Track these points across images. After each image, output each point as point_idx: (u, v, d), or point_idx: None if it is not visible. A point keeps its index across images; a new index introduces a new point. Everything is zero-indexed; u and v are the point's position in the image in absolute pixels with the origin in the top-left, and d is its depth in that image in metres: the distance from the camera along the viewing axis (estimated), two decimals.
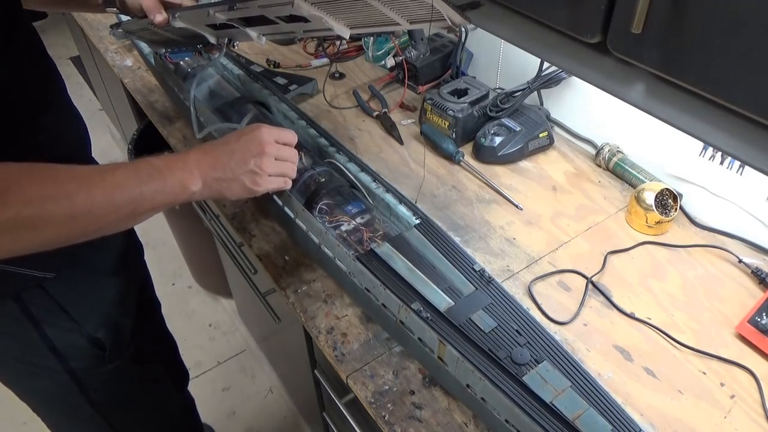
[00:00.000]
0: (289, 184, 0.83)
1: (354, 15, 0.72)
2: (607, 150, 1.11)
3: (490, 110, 1.17)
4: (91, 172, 0.66)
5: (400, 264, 0.82)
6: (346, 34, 0.74)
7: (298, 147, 1.03)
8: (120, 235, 0.96)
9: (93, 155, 0.94)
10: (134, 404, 1.07)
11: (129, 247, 0.99)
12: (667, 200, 0.99)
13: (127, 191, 0.67)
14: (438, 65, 1.33)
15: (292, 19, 0.76)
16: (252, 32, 0.83)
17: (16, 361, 0.89)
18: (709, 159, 0.97)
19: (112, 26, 1.11)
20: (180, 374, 1.30)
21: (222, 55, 1.05)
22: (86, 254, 0.87)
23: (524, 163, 1.15)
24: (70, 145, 0.87)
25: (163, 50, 1.03)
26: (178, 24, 0.88)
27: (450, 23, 0.64)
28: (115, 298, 0.94)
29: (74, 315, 0.87)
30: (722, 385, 0.79)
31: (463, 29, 1.30)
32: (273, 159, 0.78)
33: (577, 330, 0.86)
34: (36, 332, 0.85)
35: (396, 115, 1.26)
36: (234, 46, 0.94)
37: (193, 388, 1.37)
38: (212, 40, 0.91)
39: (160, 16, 0.88)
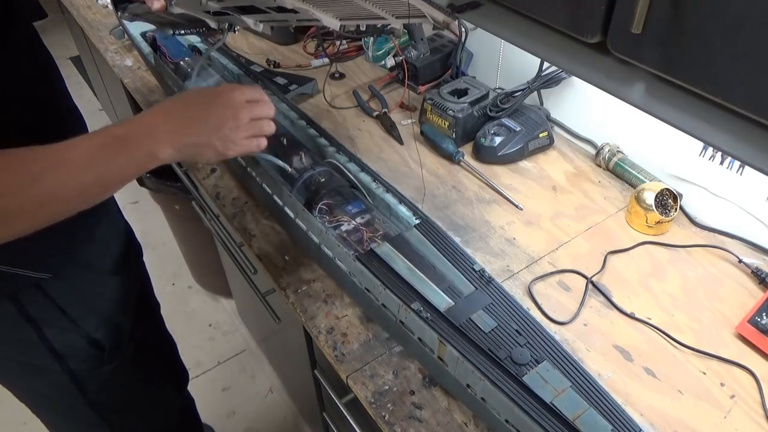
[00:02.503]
0: (263, 145, 0.79)
1: (341, 8, 0.72)
2: (607, 150, 1.11)
3: (490, 110, 1.17)
4: (53, 152, 0.62)
5: (400, 264, 0.82)
6: (335, 25, 0.73)
7: (298, 146, 1.03)
8: (119, 235, 0.97)
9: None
10: (133, 404, 1.07)
11: (128, 248, 0.99)
12: (667, 200, 0.99)
13: (94, 171, 0.64)
14: (438, 65, 1.33)
15: (282, 9, 0.76)
16: (248, 19, 0.84)
17: (15, 361, 0.89)
18: (709, 159, 0.97)
19: (116, 6, 1.12)
20: (179, 374, 1.30)
21: (225, 40, 1.06)
22: (85, 254, 0.87)
23: (524, 163, 1.15)
24: None
25: (171, 32, 1.05)
26: (176, 10, 0.89)
27: (433, 22, 0.64)
28: (114, 298, 0.94)
29: (73, 315, 0.87)
30: (722, 385, 0.79)
31: (463, 29, 1.30)
32: (248, 121, 0.75)
33: (577, 330, 0.86)
34: (34, 333, 0.85)
35: (396, 115, 1.26)
36: (234, 31, 0.95)
37: (193, 388, 1.37)
38: (212, 24, 0.93)
39: (157, 3, 0.88)
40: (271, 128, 0.80)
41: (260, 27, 0.86)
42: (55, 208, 0.63)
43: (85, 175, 0.63)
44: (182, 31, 1.03)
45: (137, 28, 1.32)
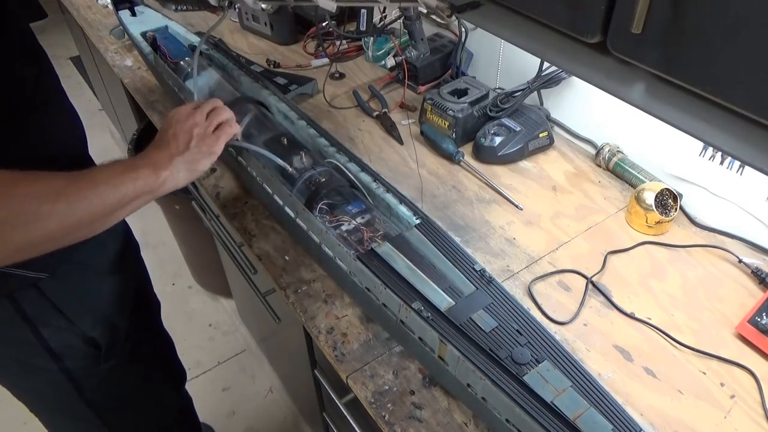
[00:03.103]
0: (236, 127, 0.90)
1: None
2: (607, 150, 1.11)
3: (490, 110, 1.17)
4: (72, 174, 0.70)
5: (401, 264, 0.82)
6: (332, 6, 0.77)
7: (298, 146, 1.03)
8: (116, 234, 0.97)
9: (93, 155, 0.94)
10: (130, 404, 1.07)
11: (125, 247, 0.98)
12: (667, 200, 0.99)
13: (111, 181, 0.72)
14: (438, 65, 1.33)
15: None
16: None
17: (12, 360, 0.89)
18: (709, 159, 0.97)
19: (116, 5, 1.14)
20: (177, 374, 1.30)
21: (225, 18, 1.08)
22: (81, 254, 0.87)
23: (524, 163, 1.15)
24: (66, 144, 0.87)
25: (174, 7, 1.06)
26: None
27: (425, 6, 0.67)
28: (111, 297, 0.94)
29: (69, 314, 0.87)
30: (722, 385, 0.79)
31: (463, 29, 1.30)
32: (204, 119, 0.86)
33: (577, 330, 0.86)
34: (31, 332, 0.85)
35: (396, 115, 1.27)
36: (235, 9, 0.96)
37: (193, 387, 1.37)
38: (212, 2, 0.94)
39: None
40: (228, 114, 0.90)
41: (260, 5, 0.88)
42: (78, 219, 0.69)
43: (103, 188, 0.71)
44: (184, 7, 1.04)
45: (137, 28, 1.32)
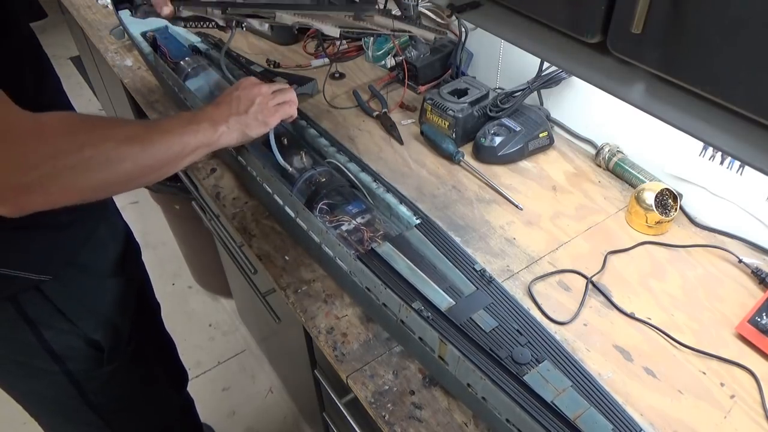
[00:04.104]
0: (294, 110, 0.98)
1: (338, 21, 0.82)
2: (607, 150, 1.11)
3: (490, 110, 1.17)
4: (142, 121, 0.81)
5: (401, 264, 0.82)
6: (335, 33, 0.83)
7: (298, 146, 1.03)
8: (117, 237, 0.97)
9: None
10: (133, 405, 1.07)
11: (126, 250, 0.98)
12: (667, 200, 0.99)
13: (176, 131, 0.78)
14: (438, 65, 1.33)
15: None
16: (254, 22, 0.93)
17: (14, 363, 0.89)
18: (709, 159, 0.97)
19: (116, 6, 1.17)
20: (179, 375, 1.30)
21: (233, 37, 1.12)
22: (83, 257, 0.87)
23: (524, 163, 1.15)
24: None
25: (183, 24, 1.09)
26: (185, 14, 0.97)
27: (424, 39, 0.74)
28: (113, 299, 0.94)
29: (71, 317, 0.87)
30: (722, 385, 0.79)
31: (463, 29, 1.30)
32: (270, 93, 0.93)
33: (577, 330, 0.86)
34: (33, 334, 0.85)
35: (396, 115, 1.27)
36: (242, 28, 0.99)
37: (193, 387, 1.37)
38: (221, 22, 0.99)
39: (167, 9, 0.96)
40: (293, 96, 0.98)
41: (265, 26, 0.92)
42: (151, 164, 0.74)
43: (170, 136, 0.77)
44: (193, 24, 1.06)
45: (137, 28, 1.32)
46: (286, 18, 0.83)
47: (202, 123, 0.82)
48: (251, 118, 0.89)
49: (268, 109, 0.91)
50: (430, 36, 0.77)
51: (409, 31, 0.78)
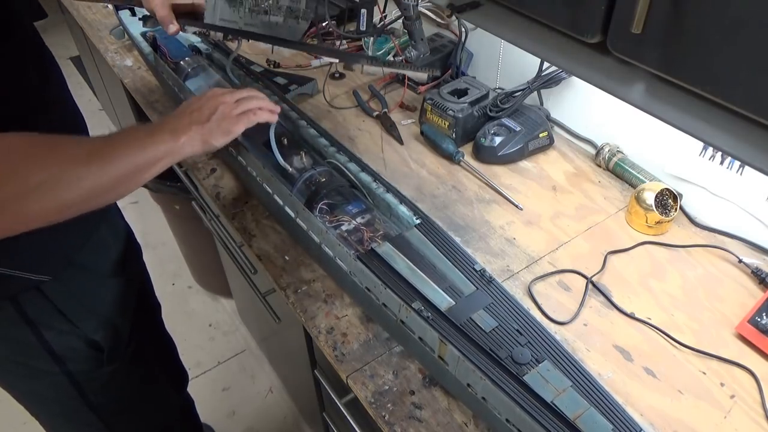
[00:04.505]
0: (263, 116, 0.93)
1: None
2: (607, 150, 1.11)
3: (490, 110, 1.17)
4: (101, 137, 0.75)
5: (401, 264, 0.82)
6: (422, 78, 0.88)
7: (298, 146, 1.03)
8: (118, 237, 0.97)
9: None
10: (132, 406, 1.07)
11: (127, 250, 0.98)
12: (667, 200, 0.99)
13: (136, 144, 0.75)
14: (438, 65, 1.33)
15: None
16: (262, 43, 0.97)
17: (14, 363, 0.89)
18: (709, 159, 0.97)
19: (116, 7, 1.19)
20: (179, 376, 1.30)
21: (239, 47, 1.16)
22: (84, 257, 0.87)
23: (524, 163, 1.15)
24: None
25: (194, 31, 1.13)
26: (191, 31, 1.00)
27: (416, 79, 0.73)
28: (113, 300, 0.94)
29: (71, 317, 0.87)
30: (722, 385, 0.79)
31: (463, 29, 1.30)
32: (233, 102, 0.90)
33: (577, 330, 0.86)
34: (33, 335, 0.85)
35: (396, 115, 1.27)
36: (248, 40, 1.01)
37: (193, 387, 1.37)
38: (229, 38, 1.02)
39: (173, 27, 0.99)
40: (257, 103, 0.92)
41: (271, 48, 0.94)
42: (103, 183, 0.71)
43: (140, 157, 0.75)
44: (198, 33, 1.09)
45: (137, 28, 1.32)
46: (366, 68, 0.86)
47: (162, 134, 0.80)
48: (214, 126, 0.86)
49: (230, 117, 0.88)
50: (423, 76, 0.79)
51: (403, 74, 0.81)
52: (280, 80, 1.32)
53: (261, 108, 0.92)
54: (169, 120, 0.85)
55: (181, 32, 1.02)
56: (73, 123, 0.88)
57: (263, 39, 0.98)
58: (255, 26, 0.98)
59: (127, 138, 0.76)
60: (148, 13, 1.05)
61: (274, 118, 0.94)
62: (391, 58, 1.04)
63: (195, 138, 0.83)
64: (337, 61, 1.16)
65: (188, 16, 1.04)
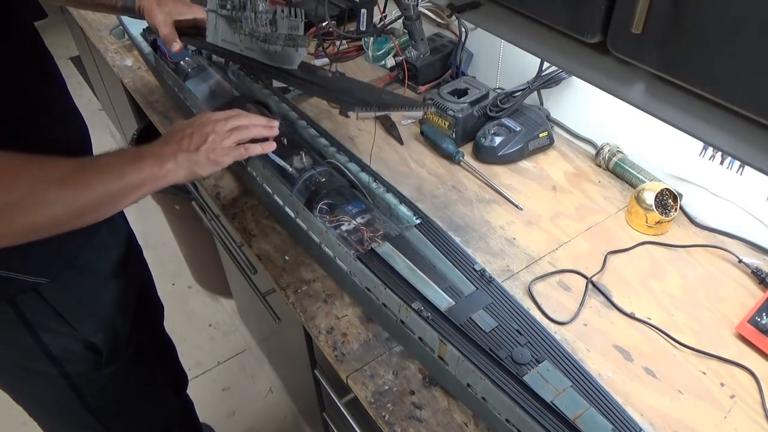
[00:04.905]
0: (252, 151, 0.89)
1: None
2: (607, 150, 1.11)
3: (490, 110, 1.17)
4: (79, 161, 0.71)
5: (401, 264, 0.82)
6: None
7: (298, 146, 1.03)
8: (119, 239, 0.96)
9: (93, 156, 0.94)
10: (132, 408, 1.07)
11: (128, 251, 0.98)
12: (667, 200, 0.99)
13: (116, 170, 0.73)
14: (438, 65, 1.33)
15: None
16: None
17: (12, 365, 0.89)
18: (709, 159, 0.97)
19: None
20: (178, 378, 1.30)
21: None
22: (84, 259, 0.87)
23: (524, 163, 1.15)
24: (71, 145, 0.87)
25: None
26: (193, 49, 1.02)
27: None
28: (113, 301, 0.93)
29: (70, 319, 0.87)
30: (722, 385, 0.79)
31: (463, 29, 1.30)
32: (226, 131, 0.85)
33: (577, 330, 0.86)
34: (31, 337, 0.85)
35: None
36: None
37: (193, 388, 1.37)
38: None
39: (176, 45, 1.01)
40: (253, 132, 0.89)
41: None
42: (83, 205, 0.70)
43: (117, 183, 0.72)
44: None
45: (137, 28, 1.32)
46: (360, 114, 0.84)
47: (146, 159, 0.77)
48: (202, 157, 0.82)
49: (221, 148, 0.84)
50: (418, 114, 0.80)
51: (395, 112, 0.81)
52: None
53: (255, 136, 0.89)
54: (157, 145, 0.82)
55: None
56: (73, 123, 0.88)
57: (262, 68, 0.98)
58: (254, 51, 0.98)
59: (109, 163, 0.74)
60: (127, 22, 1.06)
61: (269, 148, 0.90)
62: (387, 97, 1.06)
63: (181, 166, 0.80)
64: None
65: (191, 31, 1.05)
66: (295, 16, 0.89)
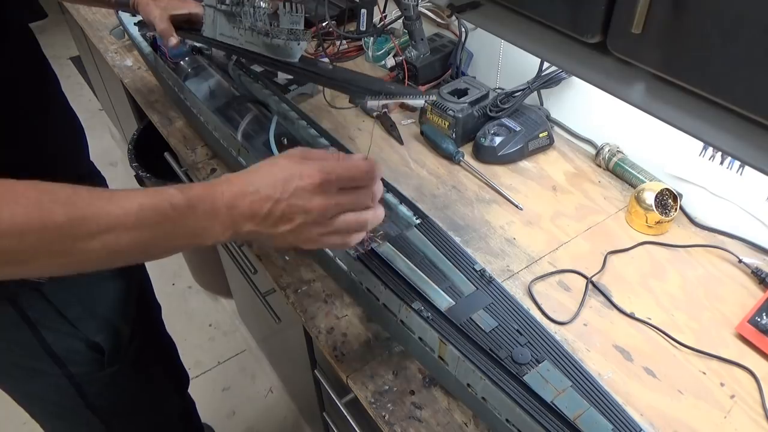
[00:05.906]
0: (355, 240, 0.63)
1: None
2: (607, 150, 1.11)
3: (490, 110, 1.17)
4: (104, 210, 0.54)
5: (401, 264, 0.82)
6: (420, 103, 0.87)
7: (298, 145, 1.03)
8: None
9: (93, 156, 0.94)
10: (134, 408, 1.07)
11: None
12: (667, 200, 0.99)
13: (141, 234, 0.55)
14: (438, 65, 1.33)
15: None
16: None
17: (14, 365, 0.89)
18: (709, 159, 0.97)
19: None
20: (180, 377, 1.30)
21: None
22: None
23: (524, 163, 1.15)
24: (66, 148, 0.87)
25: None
26: (190, 43, 1.01)
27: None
28: (114, 301, 0.94)
29: (72, 319, 0.87)
30: (722, 385, 0.79)
31: (463, 29, 1.30)
32: (328, 217, 0.59)
33: (577, 330, 0.86)
34: (33, 336, 0.85)
35: (396, 115, 1.26)
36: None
37: (193, 388, 1.37)
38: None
39: (173, 39, 1.00)
40: (362, 228, 0.62)
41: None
42: (95, 264, 0.60)
43: (129, 236, 0.55)
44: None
45: (137, 28, 1.32)
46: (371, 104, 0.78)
47: (190, 223, 0.56)
48: (276, 239, 0.59)
49: (311, 238, 0.60)
50: (420, 102, 0.78)
51: (402, 101, 0.78)
52: (281, 80, 1.32)
53: (365, 229, 0.63)
54: (225, 197, 0.57)
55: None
56: (68, 127, 0.88)
57: (264, 61, 0.96)
58: (256, 45, 0.98)
59: (186, 226, 0.55)
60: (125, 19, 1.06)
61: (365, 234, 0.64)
62: (391, 86, 1.02)
63: (242, 238, 0.59)
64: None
65: (186, 26, 1.04)
66: (297, 12, 0.89)
